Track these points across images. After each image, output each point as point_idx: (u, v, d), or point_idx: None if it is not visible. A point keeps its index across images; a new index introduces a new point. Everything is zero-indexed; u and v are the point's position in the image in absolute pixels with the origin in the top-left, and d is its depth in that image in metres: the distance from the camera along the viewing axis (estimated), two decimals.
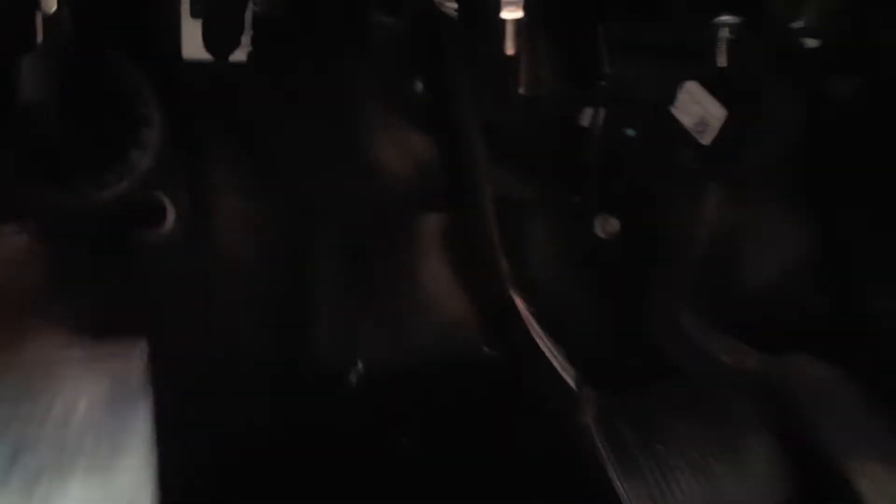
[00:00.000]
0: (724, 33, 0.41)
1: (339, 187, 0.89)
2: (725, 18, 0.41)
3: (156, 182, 0.80)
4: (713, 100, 0.76)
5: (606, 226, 0.91)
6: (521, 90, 0.39)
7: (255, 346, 0.86)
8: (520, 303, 0.65)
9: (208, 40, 0.57)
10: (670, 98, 0.43)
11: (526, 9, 0.36)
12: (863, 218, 0.90)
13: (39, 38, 0.48)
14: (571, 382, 0.65)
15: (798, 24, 0.54)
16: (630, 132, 0.86)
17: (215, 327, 0.84)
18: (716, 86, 0.76)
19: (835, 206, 0.93)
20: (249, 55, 0.72)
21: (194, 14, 0.58)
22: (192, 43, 0.61)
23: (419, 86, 0.87)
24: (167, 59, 0.69)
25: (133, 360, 0.40)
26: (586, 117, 0.89)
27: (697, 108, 0.77)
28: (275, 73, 0.80)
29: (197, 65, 0.71)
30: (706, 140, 0.76)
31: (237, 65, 0.70)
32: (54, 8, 0.46)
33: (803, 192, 0.94)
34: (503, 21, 0.36)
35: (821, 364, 0.75)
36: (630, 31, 0.39)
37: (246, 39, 0.64)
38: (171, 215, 0.83)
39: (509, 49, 0.37)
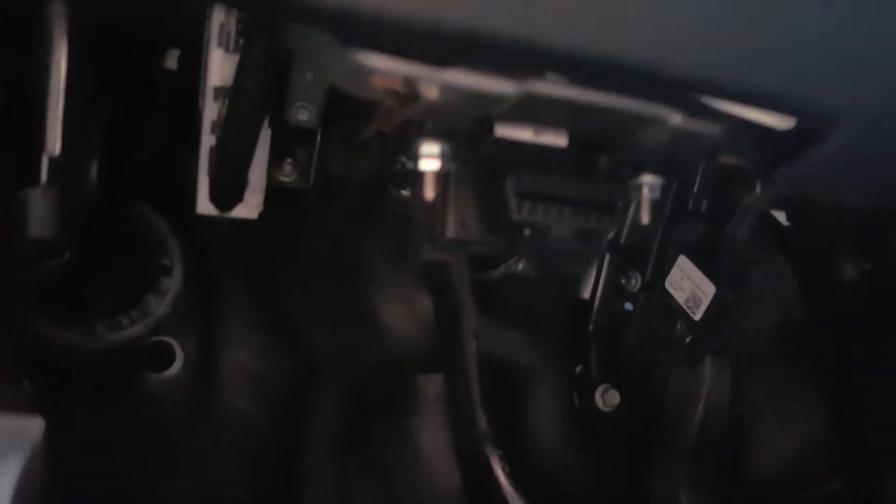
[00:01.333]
0: (646, 193, 0.44)
1: (344, 345, 0.92)
2: (646, 179, 0.44)
3: (167, 328, 0.84)
4: (703, 275, 0.78)
5: (607, 398, 0.91)
6: (449, 234, 0.42)
7: (243, 500, 0.85)
8: (496, 462, 0.64)
9: (213, 194, 0.63)
10: (598, 249, 0.46)
11: (445, 161, 0.40)
12: (878, 396, 0.87)
13: (44, 177, 0.53)
14: None
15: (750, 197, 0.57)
16: (628, 306, 0.88)
17: (205, 476, 0.83)
18: (708, 260, 0.79)
19: (848, 384, 0.91)
20: (260, 215, 0.78)
21: (210, 171, 0.65)
22: (206, 199, 0.67)
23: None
24: (189, 212, 0.74)
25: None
26: (587, 289, 0.92)
27: (688, 284, 0.79)
28: (287, 233, 0.86)
29: (216, 218, 0.76)
30: (697, 315, 0.77)
31: (248, 222, 0.76)
32: (58, 152, 0.52)
33: (816, 370, 0.92)
34: (422, 172, 0.40)
35: None
36: (539, 182, 0.42)
37: (257, 199, 0.69)
38: (178, 361, 0.85)
39: (428, 195, 0.40)
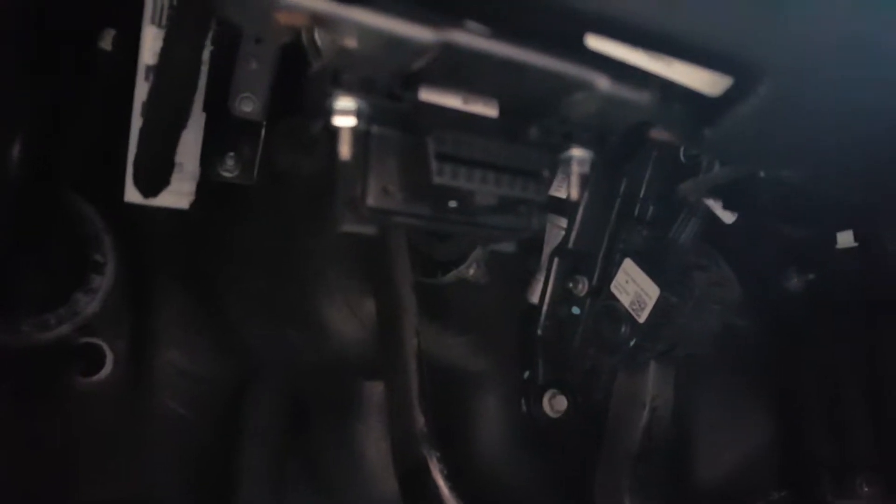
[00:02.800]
0: (575, 167, 0.43)
1: (285, 348, 0.89)
2: (576, 152, 0.43)
3: (97, 327, 0.81)
4: (647, 278, 0.77)
5: (554, 403, 0.89)
6: (369, 202, 0.40)
7: None
8: (433, 464, 0.62)
9: (137, 177, 0.60)
10: (527, 224, 0.44)
11: (362, 119, 0.38)
12: (820, 408, 0.88)
13: None
14: None
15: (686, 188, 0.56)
16: (576, 310, 0.87)
17: (137, 480, 0.80)
18: (654, 264, 0.78)
19: (791, 395, 0.91)
20: (201, 210, 0.75)
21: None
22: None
23: None
24: (125, 205, 0.71)
25: None
26: (535, 294, 0.91)
27: (633, 287, 0.78)
28: (228, 230, 0.83)
29: (155, 211, 0.73)
30: (642, 318, 0.77)
31: (187, 217, 0.73)
32: None
33: (760, 379, 0.92)
34: (337, 128, 0.38)
35: None
36: (462, 145, 0.40)
37: (189, 187, 0.66)
38: (108, 364, 0.82)
39: (343, 153, 0.38)
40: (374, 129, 0.40)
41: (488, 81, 0.39)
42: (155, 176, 0.58)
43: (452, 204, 0.42)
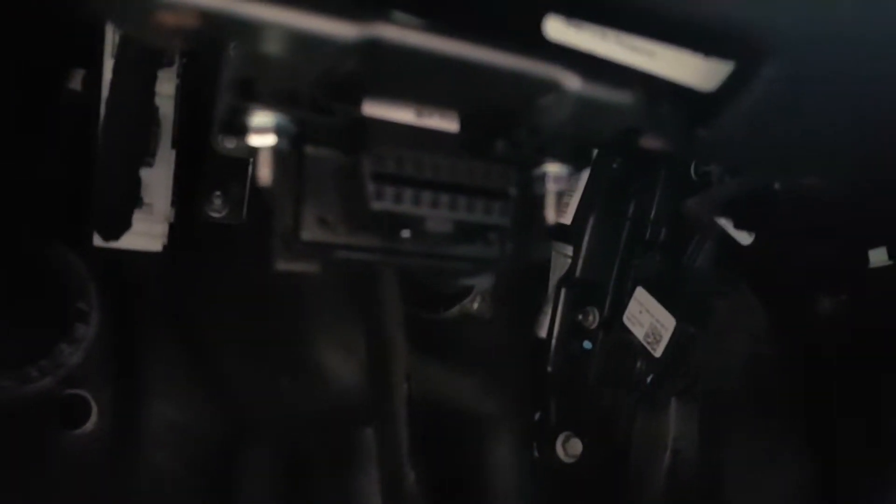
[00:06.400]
0: (551, 186, 0.37)
1: (279, 397, 0.84)
2: (551, 168, 0.37)
3: (81, 379, 0.77)
4: (662, 308, 0.71)
5: (568, 447, 0.83)
6: (305, 235, 0.34)
7: None
8: None
9: (94, 219, 0.56)
10: (498, 256, 0.38)
11: (286, 136, 0.33)
12: (863, 446, 0.80)
13: None
14: None
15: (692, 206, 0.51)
16: (587, 345, 0.81)
17: None
18: (669, 292, 0.72)
19: (827, 428, 0.84)
20: (189, 253, 0.72)
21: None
22: None
23: None
24: (110, 251, 0.68)
25: None
26: (543, 328, 0.85)
27: (647, 318, 0.73)
28: (217, 273, 0.80)
29: (140, 256, 0.70)
30: (658, 352, 0.71)
31: (167, 256, 0.69)
32: None
33: (791, 412, 0.85)
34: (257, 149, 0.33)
35: None
36: (404, 162, 0.34)
37: (160, 229, 0.63)
38: (93, 416, 0.78)
39: (263, 177, 0.33)
40: (308, 149, 0.35)
41: (440, 88, 0.35)
42: (114, 218, 0.54)
43: (405, 234, 0.37)
